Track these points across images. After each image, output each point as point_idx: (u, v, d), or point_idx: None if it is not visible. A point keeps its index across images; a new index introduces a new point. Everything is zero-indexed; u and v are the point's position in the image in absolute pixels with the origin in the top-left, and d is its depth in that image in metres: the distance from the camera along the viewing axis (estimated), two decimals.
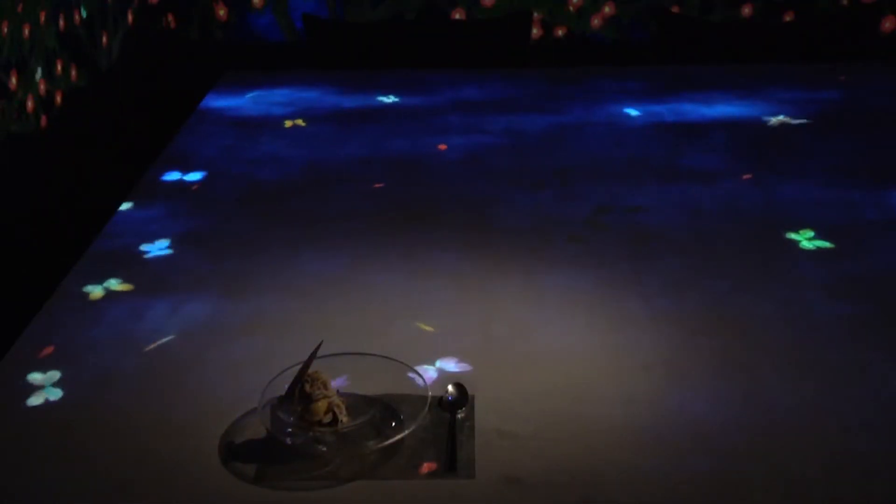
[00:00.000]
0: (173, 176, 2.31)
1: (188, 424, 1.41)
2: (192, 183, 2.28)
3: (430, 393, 1.41)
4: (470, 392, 1.45)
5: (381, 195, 2.20)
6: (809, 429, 1.38)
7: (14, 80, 2.45)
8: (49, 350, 1.60)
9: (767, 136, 2.49)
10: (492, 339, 1.62)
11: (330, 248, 1.95)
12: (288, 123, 2.66)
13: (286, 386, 1.39)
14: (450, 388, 1.45)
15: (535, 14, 3.47)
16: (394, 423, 1.38)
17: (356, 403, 1.41)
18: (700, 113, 2.66)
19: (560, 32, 3.50)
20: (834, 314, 1.67)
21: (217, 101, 2.85)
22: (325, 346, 1.44)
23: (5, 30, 2.41)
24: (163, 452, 1.36)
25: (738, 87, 2.84)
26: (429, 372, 1.52)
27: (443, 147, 2.46)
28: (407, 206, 2.14)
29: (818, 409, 1.43)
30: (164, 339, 1.63)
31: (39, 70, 2.59)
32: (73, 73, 2.84)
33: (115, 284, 1.81)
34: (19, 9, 2.50)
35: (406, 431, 1.35)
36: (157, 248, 1.95)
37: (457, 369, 1.53)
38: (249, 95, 2.88)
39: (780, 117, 2.59)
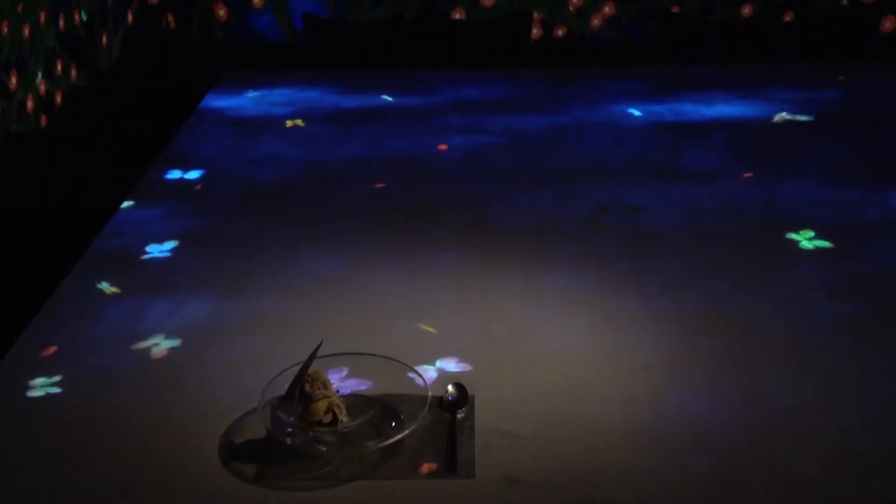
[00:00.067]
0: (174, 175, 2.32)
1: (188, 424, 1.41)
2: (195, 182, 2.28)
3: (430, 393, 1.41)
4: (470, 392, 1.45)
5: (381, 195, 2.20)
6: (809, 429, 1.38)
7: (14, 80, 2.45)
8: (52, 350, 1.60)
9: (768, 136, 2.49)
10: (492, 339, 1.62)
11: (330, 248, 1.95)
12: (289, 123, 2.66)
13: (286, 386, 1.39)
14: (450, 388, 1.45)
15: (535, 14, 3.47)
16: (394, 423, 1.38)
17: (356, 403, 1.41)
18: (700, 113, 2.66)
19: (560, 32, 3.50)
20: (834, 314, 1.67)
21: (217, 101, 2.85)
22: (325, 346, 1.44)
23: (5, 30, 2.41)
24: (163, 452, 1.36)
25: (738, 87, 2.84)
26: (429, 372, 1.52)
27: (443, 147, 2.46)
28: (407, 206, 2.14)
29: (818, 409, 1.43)
30: (165, 342, 1.63)
31: (39, 74, 2.59)
32: (73, 73, 2.85)
33: (114, 284, 1.81)
34: (19, 9, 2.50)
35: (406, 431, 1.35)
36: (165, 248, 1.95)
37: (457, 369, 1.53)
38: (249, 94, 2.88)
39: (784, 114, 2.60)
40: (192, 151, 2.47)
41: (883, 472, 1.29)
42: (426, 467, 1.32)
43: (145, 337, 1.64)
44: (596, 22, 3.48)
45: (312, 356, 1.41)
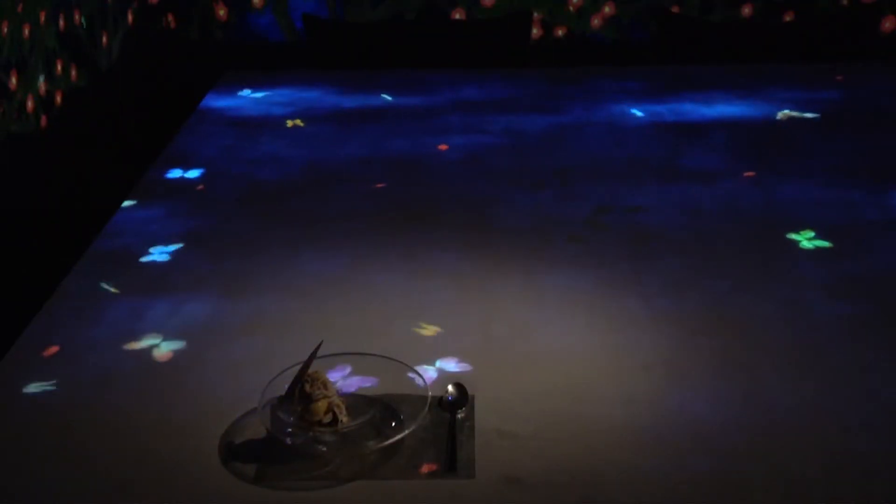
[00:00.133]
0: (175, 173, 2.32)
1: (188, 424, 1.41)
2: (195, 180, 2.28)
3: (430, 393, 1.41)
4: (470, 392, 1.45)
5: (381, 195, 2.20)
6: (809, 429, 1.38)
7: (14, 80, 2.45)
8: (52, 350, 1.60)
9: (768, 136, 2.50)
10: (492, 339, 1.62)
11: (330, 248, 1.95)
12: (289, 123, 2.66)
13: (286, 386, 1.39)
14: (450, 388, 1.45)
15: (535, 14, 3.47)
16: (394, 423, 1.38)
17: (356, 403, 1.41)
18: (700, 113, 2.66)
19: (560, 32, 3.50)
20: (834, 314, 1.67)
21: (217, 101, 2.85)
22: (325, 346, 1.44)
23: (5, 30, 2.41)
24: (163, 452, 1.36)
25: (738, 87, 2.84)
26: (429, 372, 1.52)
27: (443, 147, 2.46)
28: (407, 206, 2.14)
29: (818, 409, 1.43)
30: (165, 342, 1.63)
31: (41, 77, 2.59)
32: (73, 73, 2.85)
33: (114, 284, 1.81)
34: (19, 9, 2.50)
35: (406, 431, 1.35)
36: (166, 249, 1.95)
37: (457, 369, 1.53)
38: (247, 94, 2.88)
39: (787, 111, 2.60)
40: (192, 151, 2.47)
41: (883, 472, 1.29)
42: (426, 467, 1.32)
43: (145, 337, 1.64)
44: (596, 22, 3.48)
45: (312, 356, 1.41)
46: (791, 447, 1.34)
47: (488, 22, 3.48)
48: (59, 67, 2.74)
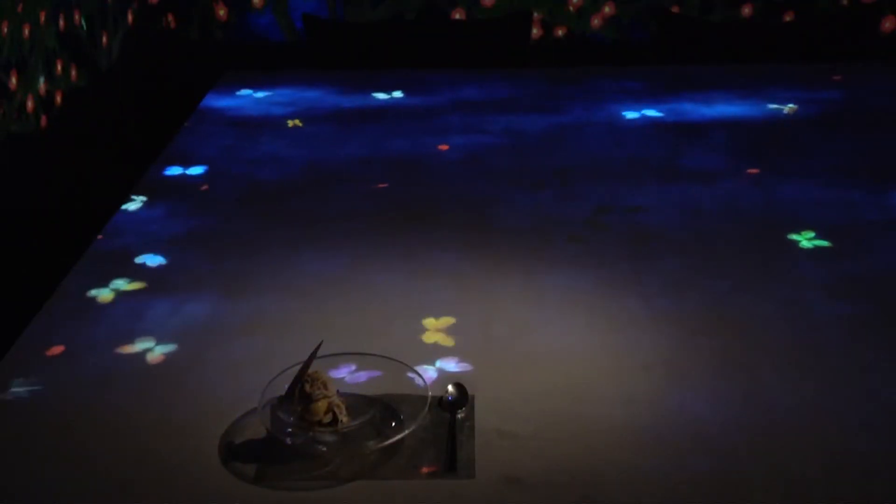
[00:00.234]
0: (175, 171, 2.32)
1: (188, 424, 1.41)
2: (196, 179, 2.28)
3: (430, 393, 1.41)
4: (470, 392, 1.45)
5: (382, 195, 2.20)
6: (809, 429, 1.38)
7: (14, 80, 2.45)
8: (52, 350, 1.60)
9: (768, 136, 2.50)
10: (492, 339, 1.62)
11: (330, 248, 1.95)
12: (290, 123, 2.66)
13: (286, 386, 1.39)
14: (450, 388, 1.45)
15: (535, 14, 3.47)
16: (394, 423, 1.38)
17: (356, 403, 1.41)
18: (700, 113, 2.66)
19: (560, 32, 3.50)
20: (834, 314, 1.67)
21: (217, 101, 2.85)
22: (325, 346, 1.44)
23: (5, 30, 2.41)
24: (163, 452, 1.36)
25: (738, 87, 2.84)
26: (429, 372, 1.52)
27: (443, 147, 2.46)
28: (407, 206, 2.14)
29: (818, 409, 1.42)
30: (165, 342, 1.63)
31: (41, 77, 2.59)
32: (73, 73, 2.84)
33: (114, 284, 1.81)
34: (19, 9, 2.50)
35: (406, 431, 1.35)
36: (166, 250, 1.95)
37: (457, 369, 1.53)
38: (246, 94, 2.88)
39: (792, 105, 2.60)
40: (192, 151, 2.47)
41: (883, 472, 1.29)
42: (426, 467, 1.31)
43: (145, 337, 1.64)
44: (596, 22, 3.48)
45: (312, 356, 1.41)
46: (791, 447, 1.34)
47: (488, 22, 3.48)
48: (59, 67, 2.74)
